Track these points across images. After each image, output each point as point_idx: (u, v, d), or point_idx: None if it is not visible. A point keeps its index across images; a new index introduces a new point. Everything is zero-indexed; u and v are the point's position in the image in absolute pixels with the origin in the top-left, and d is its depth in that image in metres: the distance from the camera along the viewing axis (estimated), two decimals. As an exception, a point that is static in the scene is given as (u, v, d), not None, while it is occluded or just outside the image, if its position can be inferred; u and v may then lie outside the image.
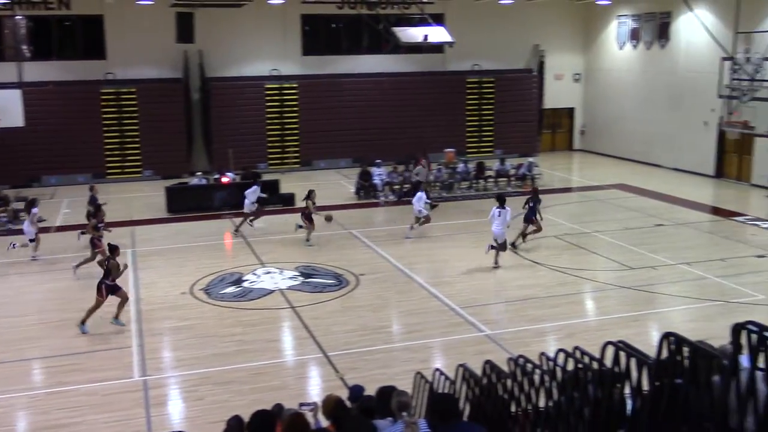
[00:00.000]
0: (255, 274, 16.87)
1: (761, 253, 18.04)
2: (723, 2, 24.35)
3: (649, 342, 11.08)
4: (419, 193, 20.14)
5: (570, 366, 6.25)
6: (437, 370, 9.12)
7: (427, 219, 20.02)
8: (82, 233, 18.74)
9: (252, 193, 20.52)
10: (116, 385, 11.29)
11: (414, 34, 22.29)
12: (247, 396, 10.70)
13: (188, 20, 25.83)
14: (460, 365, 8.46)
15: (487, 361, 7.79)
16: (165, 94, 29.16)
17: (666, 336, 4.83)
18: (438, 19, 26.25)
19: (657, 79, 30.18)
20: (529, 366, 7.04)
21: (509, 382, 7.21)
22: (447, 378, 8.79)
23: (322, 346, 12.68)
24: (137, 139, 29.22)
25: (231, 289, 15.77)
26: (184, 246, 19.25)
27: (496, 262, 17.16)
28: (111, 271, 13.64)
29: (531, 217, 18.45)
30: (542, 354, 7.13)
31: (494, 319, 14.22)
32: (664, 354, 4.88)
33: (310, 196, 19.25)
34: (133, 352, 12.61)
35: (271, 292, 15.69)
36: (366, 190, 25.49)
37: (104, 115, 28.85)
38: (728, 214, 22.30)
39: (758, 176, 25.72)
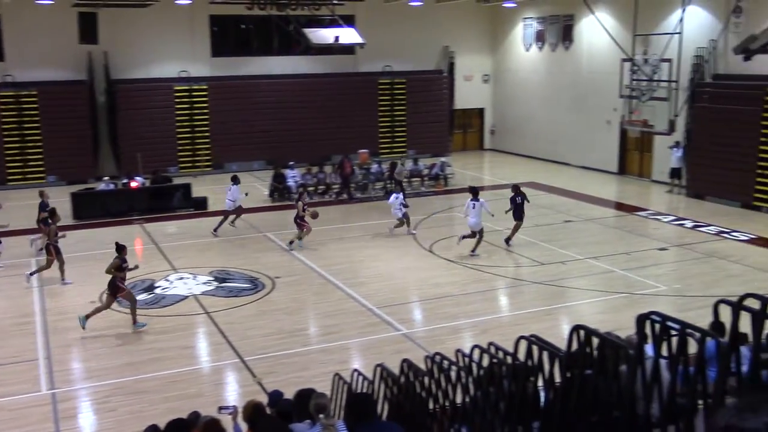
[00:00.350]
0: (167, 280, 16.51)
1: (663, 246, 18.85)
2: (622, 5, 25.30)
3: (560, 335, 11.41)
4: (394, 194, 20.35)
5: (485, 361, 6.37)
6: (355, 370, 9.13)
7: (401, 222, 20.08)
8: (37, 240, 18.49)
9: (232, 194, 20.58)
10: (23, 400, 10.85)
11: (325, 35, 22.25)
12: (162, 405, 10.46)
13: (91, 20, 25.05)
14: (378, 365, 8.50)
15: (405, 360, 7.86)
16: (68, 96, 28.18)
17: (575, 329, 4.99)
18: (348, 21, 26.29)
19: (562, 80, 31.12)
20: (446, 363, 7.14)
21: (426, 380, 7.30)
22: (365, 378, 8.82)
23: (238, 352, 12.52)
24: (39, 144, 28.10)
25: (143, 296, 15.36)
26: (93, 253, 18.64)
27: (474, 250, 17.88)
28: (122, 270, 13.52)
29: (521, 213, 18.60)
30: (458, 351, 7.24)
31: (411, 318, 14.37)
32: (575, 346, 5.04)
33: (301, 198, 19.41)
34: (39, 365, 12.14)
35: (185, 297, 15.38)
36: (280, 192, 25.31)
37: (3, 119, 27.72)
38: (631, 209, 23.20)
39: (658, 172, 26.87)
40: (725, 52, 23.25)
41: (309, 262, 17.74)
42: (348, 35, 22.78)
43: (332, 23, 22.77)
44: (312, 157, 28.84)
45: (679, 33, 17.40)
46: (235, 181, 20.84)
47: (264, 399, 7.24)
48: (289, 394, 7.21)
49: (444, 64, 34.12)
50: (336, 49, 27.87)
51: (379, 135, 32.83)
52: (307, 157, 29.04)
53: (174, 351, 12.62)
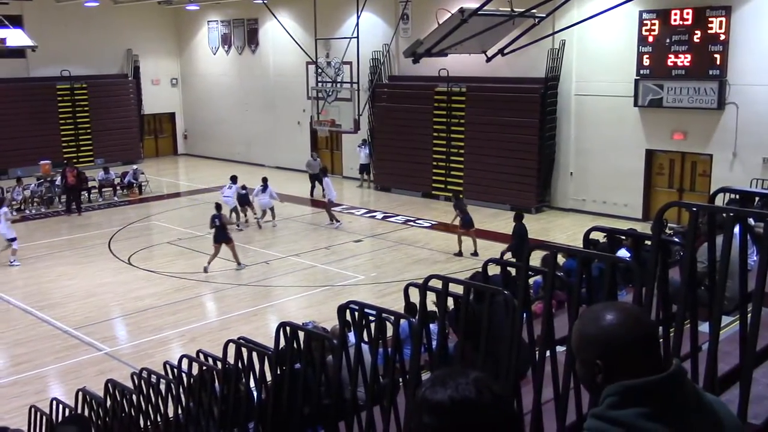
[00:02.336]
0: None
1: (358, 238, 19.98)
2: (303, 10, 26.21)
3: (269, 334, 11.60)
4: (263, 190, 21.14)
5: (195, 370, 6.30)
6: (54, 399, 8.48)
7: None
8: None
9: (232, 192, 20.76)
10: None
11: (-11, 37, 20.23)
12: None
13: None
14: (80, 389, 7.99)
15: (109, 380, 7.48)
16: None
17: (282, 326, 5.14)
18: (16, 22, 24.12)
19: (252, 83, 31.47)
20: (154, 377, 6.93)
21: (135, 397, 7.02)
22: (66, 406, 8.24)
23: None
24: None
25: None
26: None
27: (331, 220, 20.81)
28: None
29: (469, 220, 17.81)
30: (166, 363, 7.06)
31: (113, 336, 13.64)
32: (282, 343, 5.19)
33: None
34: None
35: None
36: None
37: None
38: (325, 205, 24.19)
39: (348, 169, 28.41)
40: (397, 55, 25.25)
41: (-11, 289, 16.01)
42: (16, 37, 20.94)
43: (-3, 24, 20.75)
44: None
45: (356, 37, 18.49)
46: (234, 180, 21.08)
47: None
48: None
49: (128, 68, 32.69)
50: (3, 52, 25.41)
51: (63, 144, 30.51)
52: (-21, 171, 26.19)
53: None
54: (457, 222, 18.01)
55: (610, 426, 1.92)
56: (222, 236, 16.98)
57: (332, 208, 21.41)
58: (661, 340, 2.41)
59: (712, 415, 2.00)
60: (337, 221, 21.09)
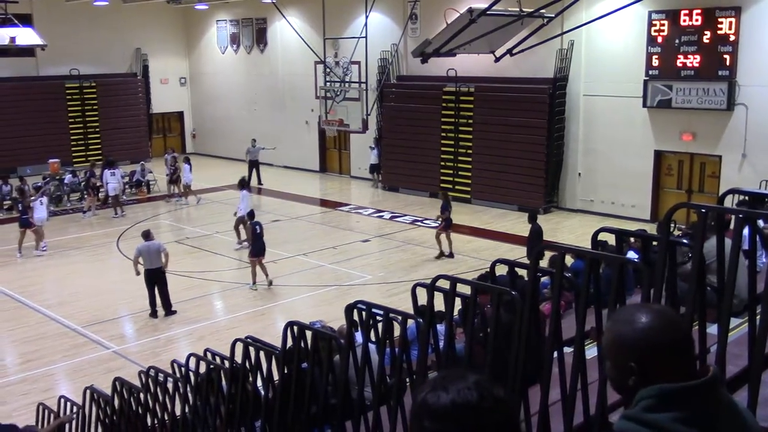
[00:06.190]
0: None
1: (366, 238, 19.99)
2: (312, 10, 26.25)
3: (276, 333, 11.61)
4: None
5: (203, 368, 6.32)
6: (62, 397, 8.52)
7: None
8: None
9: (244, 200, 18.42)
10: None
11: (-2, 35, 20.30)
12: None
13: None
14: (87, 387, 8.02)
15: (117, 378, 7.51)
16: None
17: (289, 325, 5.14)
18: (25, 20, 24.20)
19: (260, 82, 31.52)
20: (161, 376, 6.95)
21: (142, 396, 7.05)
22: (74, 404, 8.27)
23: None
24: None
25: None
26: None
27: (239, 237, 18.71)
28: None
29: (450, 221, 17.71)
30: (173, 361, 7.08)
31: (121, 334, 13.69)
32: (290, 342, 5.19)
33: None
34: None
35: None
36: (-43, 211, 22.61)
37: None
38: (335, 204, 24.27)
39: (356, 168, 28.43)
40: (405, 55, 25.24)
41: (-1, 286, 16.09)
42: (25, 36, 21.02)
43: (6, 23, 20.82)
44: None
45: (364, 37, 18.50)
46: (243, 185, 18.94)
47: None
48: None
49: (137, 67, 32.78)
50: (13, 50, 25.55)
51: (72, 142, 30.63)
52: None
53: None
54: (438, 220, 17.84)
55: (645, 429, 1.91)
56: (262, 249, 15.87)
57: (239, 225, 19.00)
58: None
59: (741, 423, 2.01)
60: (242, 242, 18.57)
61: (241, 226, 18.54)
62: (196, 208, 24.05)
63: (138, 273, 14.02)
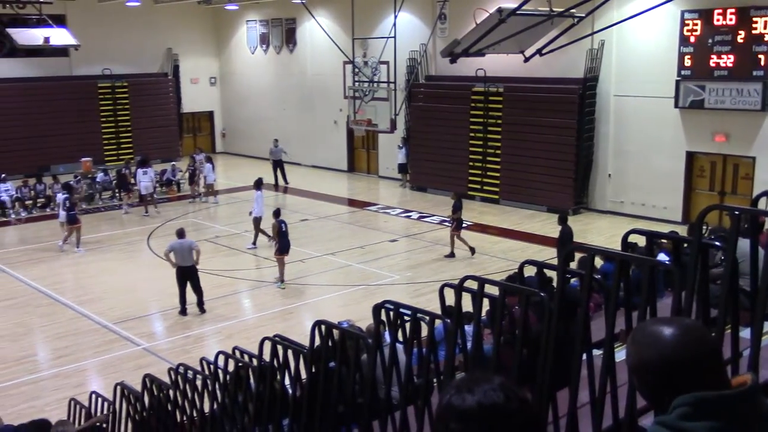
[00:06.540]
0: None
1: (393, 237, 19.99)
2: (340, 10, 26.31)
3: (304, 332, 11.65)
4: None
5: (231, 366, 6.36)
6: (93, 392, 8.63)
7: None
8: None
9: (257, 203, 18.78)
10: None
11: (32, 36, 20.62)
12: None
13: None
14: (118, 383, 8.12)
15: (147, 375, 7.59)
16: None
17: (317, 324, 5.16)
18: (59, 21, 24.55)
19: (289, 82, 31.66)
20: (190, 373, 7.01)
21: (171, 392, 7.11)
22: (105, 399, 8.38)
23: (-47, 389, 11.22)
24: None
25: None
26: None
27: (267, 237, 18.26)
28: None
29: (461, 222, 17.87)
30: (202, 359, 7.14)
31: (151, 331, 13.84)
32: (317, 341, 5.21)
33: None
34: None
35: None
36: (-8, 208, 23.00)
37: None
38: (363, 204, 24.31)
39: (384, 168, 28.44)
40: (434, 55, 25.18)
41: (32, 282, 16.34)
42: (59, 36, 21.32)
43: (40, 23, 21.15)
44: (28, 168, 26.58)
45: (393, 37, 18.50)
46: (258, 186, 19.25)
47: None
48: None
49: (168, 67, 33.12)
50: (47, 51, 25.96)
51: (104, 141, 31.03)
52: (23, 168, 26.72)
53: None
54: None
55: None
56: (287, 246, 16.06)
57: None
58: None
59: None
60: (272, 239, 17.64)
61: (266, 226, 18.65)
62: (225, 206, 24.24)
63: (174, 265, 14.17)
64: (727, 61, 18.32)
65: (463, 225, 18.14)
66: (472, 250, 17.55)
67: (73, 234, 18.86)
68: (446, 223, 19.82)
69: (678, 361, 1.91)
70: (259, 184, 19.28)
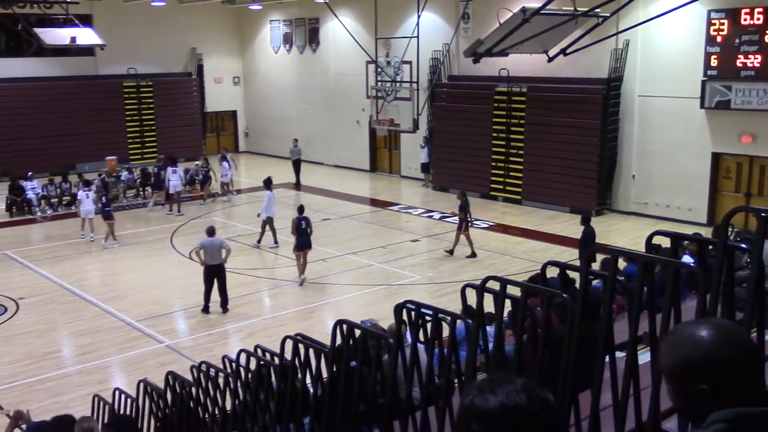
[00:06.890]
0: None
1: (415, 237, 19.98)
2: (364, 10, 26.35)
3: (325, 331, 11.68)
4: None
5: (253, 365, 6.39)
6: (117, 389, 8.71)
7: None
8: None
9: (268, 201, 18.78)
10: None
11: (59, 35, 20.84)
12: None
13: None
14: (141, 380, 8.18)
15: (170, 372, 7.64)
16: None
17: (338, 323, 5.17)
18: (85, 21, 24.80)
19: (312, 82, 31.74)
20: (213, 371, 7.06)
21: (194, 390, 7.16)
22: (128, 396, 8.45)
23: (-20, 384, 11.38)
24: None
25: None
26: None
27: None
28: None
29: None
30: (224, 357, 7.18)
31: (174, 329, 13.94)
32: (339, 340, 5.22)
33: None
34: None
35: None
36: (18, 205, 23.28)
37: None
38: (385, 204, 24.31)
39: (406, 168, 28.43)
40: (457, 54, 25.15)
41: (57, 279, 16.53)
42: (85, 36, 21.53)
43: (67, 23, 21.37)
44: (54, 167, 26.87)
45: (416, 37, 18.47)
46: (269, 186, 19.23)
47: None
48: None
49: (192, 67, 33.35)
50: (73, 50, 26.24)
51: (128, 140, 31.34)
52: (49, 166, 27.04)
53: None
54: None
55: None
56: (306, 243, 16.05)
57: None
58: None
59: None
60: (275, 243, 18.59)
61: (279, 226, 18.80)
62: (246, 206, 24.32)
63: (203, 263, 14.28)
64: (754, 61, 18.09)
65: (471, 223, 18.07)
66: (451, 252, 17.62)
67: (107, 230, 19.22)
68: (450, 220, 19.82)
69: (718, 361, 1.85)
70: (268, 184, 19.30)
